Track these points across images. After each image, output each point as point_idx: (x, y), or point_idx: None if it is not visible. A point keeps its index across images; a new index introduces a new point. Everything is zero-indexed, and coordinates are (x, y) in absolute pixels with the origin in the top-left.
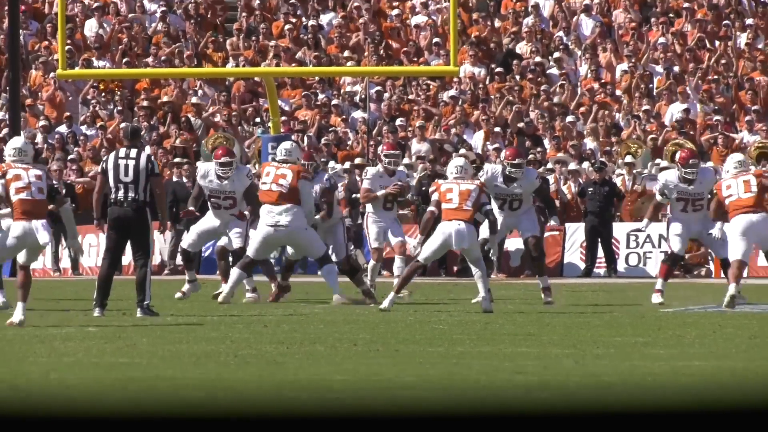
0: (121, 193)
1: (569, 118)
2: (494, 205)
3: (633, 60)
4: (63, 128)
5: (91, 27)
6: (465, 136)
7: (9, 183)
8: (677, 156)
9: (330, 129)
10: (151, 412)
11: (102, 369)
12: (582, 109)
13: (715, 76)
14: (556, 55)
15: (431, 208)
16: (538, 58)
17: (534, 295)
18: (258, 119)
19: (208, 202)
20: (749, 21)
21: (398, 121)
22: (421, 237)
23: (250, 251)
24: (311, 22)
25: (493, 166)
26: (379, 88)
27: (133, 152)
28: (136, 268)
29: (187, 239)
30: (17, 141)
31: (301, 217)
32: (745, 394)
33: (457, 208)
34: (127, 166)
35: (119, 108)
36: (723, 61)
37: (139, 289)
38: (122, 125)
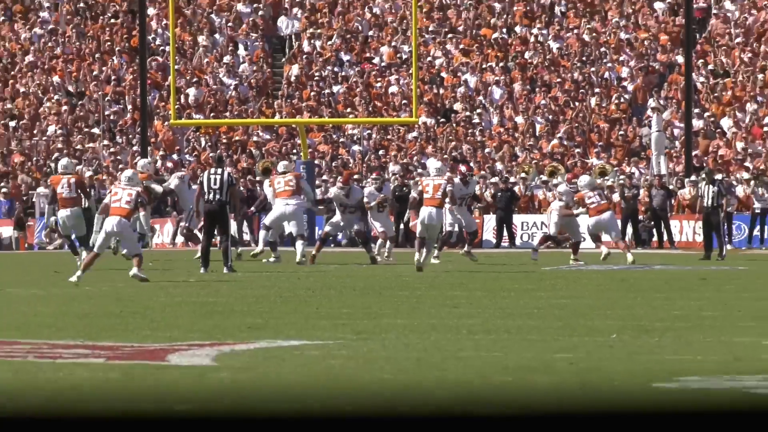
0: (211, 196)
1: (486, 150)
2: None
3: (526, 114)
4: (174, 156)
5: (191, 93)
6: (423, 161)
7: (111, 197)
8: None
9: (338, 156)
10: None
11: (196, 306)
12: (494, 144)
13: (576, 124)
14: (478, 111)
15: (414, 194)
16: (467, 113)
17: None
18: (294, 150)
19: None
20: (597, 90)
21: (380, 152)
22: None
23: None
24: (327, 90)
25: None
26: (369, 131)
27: (219, 171)
28: (221, 243)
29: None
30: (128, 172)
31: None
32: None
33: (431, 197)
34: (216, 179)
35: (209, 143)
36: (581, 115)
37: (224, 255)
38: (211, 154)
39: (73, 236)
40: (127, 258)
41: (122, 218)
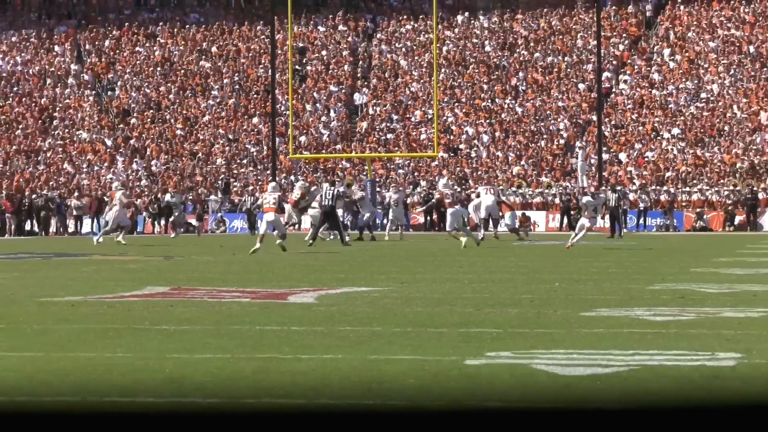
0: (325, 202)
1: (479, 172)
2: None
3: (502, 150)
4: (292, 177)
5: (302, 139)
6: (438, 178)
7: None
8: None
9: (389, 177)
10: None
11: (304, 266)
12: (484, 168)
13: (532, 157)
14: (474, 149)
15: (435, 200)
16: (467, 150)
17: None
18: (364, 172)
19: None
20: (545, 136)
21: (415, 173)
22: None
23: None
24: (383, 137)
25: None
26: (409, 161)
27: (332, 187)
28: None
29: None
30: (272, 185)
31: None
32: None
33: (451, 203)
34: (329, 192)
35: (311, 169)
36: (536, 151)
37: (343, 242)
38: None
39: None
40: (280, 239)
41: (273, 213)
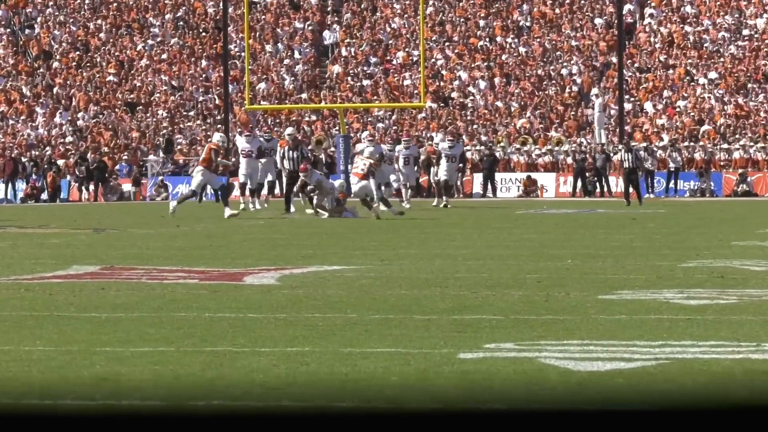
0: (289, 165)
1: (474, 126)
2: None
3: (503, 99)
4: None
5: (260, 86)
6: (429, 135)
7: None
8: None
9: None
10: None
11: (264, 241)
12: (481, 122)
13: (539, 107)
14: (469, 97)
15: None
16: (461, 99)
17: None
18: (335, 128)
19: None
20: (554, 82)
21: (397, 127)
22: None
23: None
24: (359, 84)
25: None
26: (390, 113)
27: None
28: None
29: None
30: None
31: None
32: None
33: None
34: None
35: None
36: (543, 100)
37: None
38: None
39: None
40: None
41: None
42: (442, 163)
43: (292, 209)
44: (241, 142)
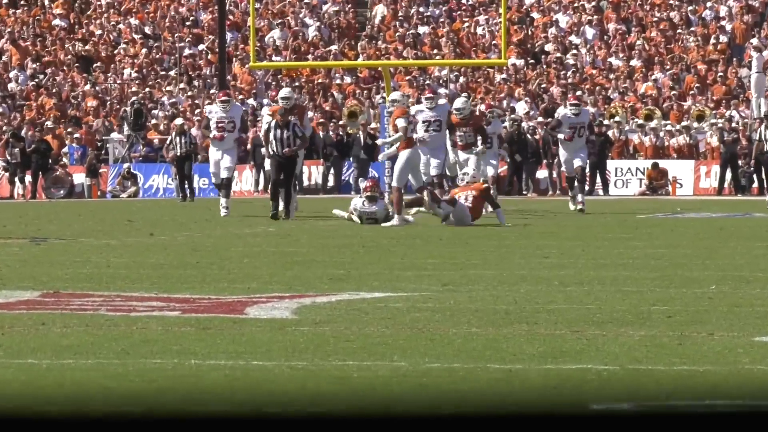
0: (277, 147)
1: (578, 93)
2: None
3: (621, 55)
4: (251, 101)
5: (273, 35)
6: (512, 104)
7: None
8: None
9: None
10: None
11: (275, 256)
12: (587, 86)
13: (672, 66)
14: (572, 52)
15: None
16: (558, 54)
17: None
18: (379, 94)
19: None
20: (694, 29)
21: (464, 95)
22: None
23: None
24: (412, 31)
25: (562, 109)
26: (456, 73)
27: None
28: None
29: None
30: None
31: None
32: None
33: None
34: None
35: (293, 86)
36: (678, 56)
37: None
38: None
39: None
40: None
41: None
42: (567, 145)
43: (292, 214)
44: (216, 112)
